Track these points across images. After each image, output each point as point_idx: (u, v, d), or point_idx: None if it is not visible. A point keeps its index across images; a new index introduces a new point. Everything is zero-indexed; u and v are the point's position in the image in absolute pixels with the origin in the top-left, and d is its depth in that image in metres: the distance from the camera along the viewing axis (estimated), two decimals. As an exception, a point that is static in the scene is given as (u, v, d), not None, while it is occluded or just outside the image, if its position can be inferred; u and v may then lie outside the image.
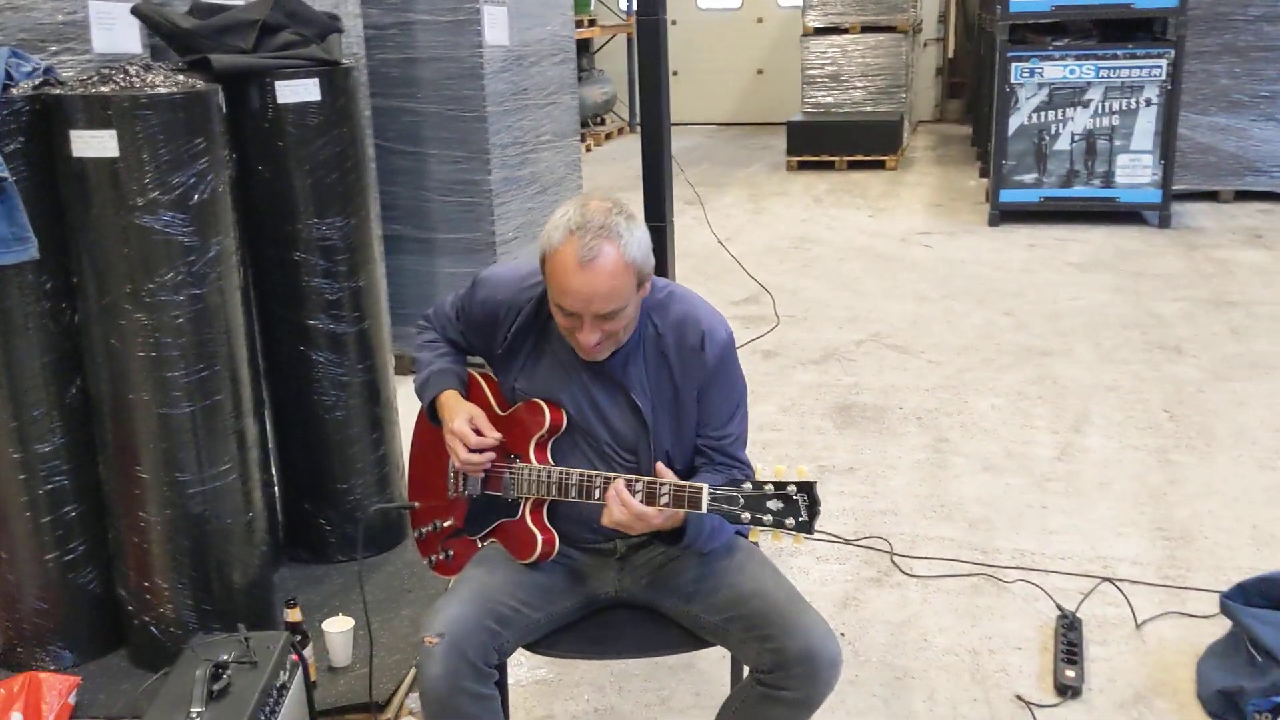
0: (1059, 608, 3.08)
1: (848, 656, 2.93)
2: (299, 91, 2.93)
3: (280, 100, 2.94)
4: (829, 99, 10.82)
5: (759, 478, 1.89)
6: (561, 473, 2.08)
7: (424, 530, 2.31)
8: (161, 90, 2.53)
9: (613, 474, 2.02)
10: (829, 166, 10.26)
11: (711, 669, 2.85)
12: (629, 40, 12.84)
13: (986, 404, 4.65)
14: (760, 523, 1.87)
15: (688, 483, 1.94)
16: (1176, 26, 7.30)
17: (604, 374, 2.11)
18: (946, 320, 5.78)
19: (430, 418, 2.24)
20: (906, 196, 9.04)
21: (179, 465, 2.66)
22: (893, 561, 3.42)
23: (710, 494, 1.90)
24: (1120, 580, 3.24)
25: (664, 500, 1.95)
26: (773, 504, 1.86)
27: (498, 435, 2.14)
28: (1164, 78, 7.30)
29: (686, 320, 2.11)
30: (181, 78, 2.66)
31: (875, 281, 6.59)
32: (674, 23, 13.52)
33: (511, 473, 2.14)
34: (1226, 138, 8.05)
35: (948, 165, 10.41)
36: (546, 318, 2.12)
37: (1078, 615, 3.03)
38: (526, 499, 2.13)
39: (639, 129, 3.27)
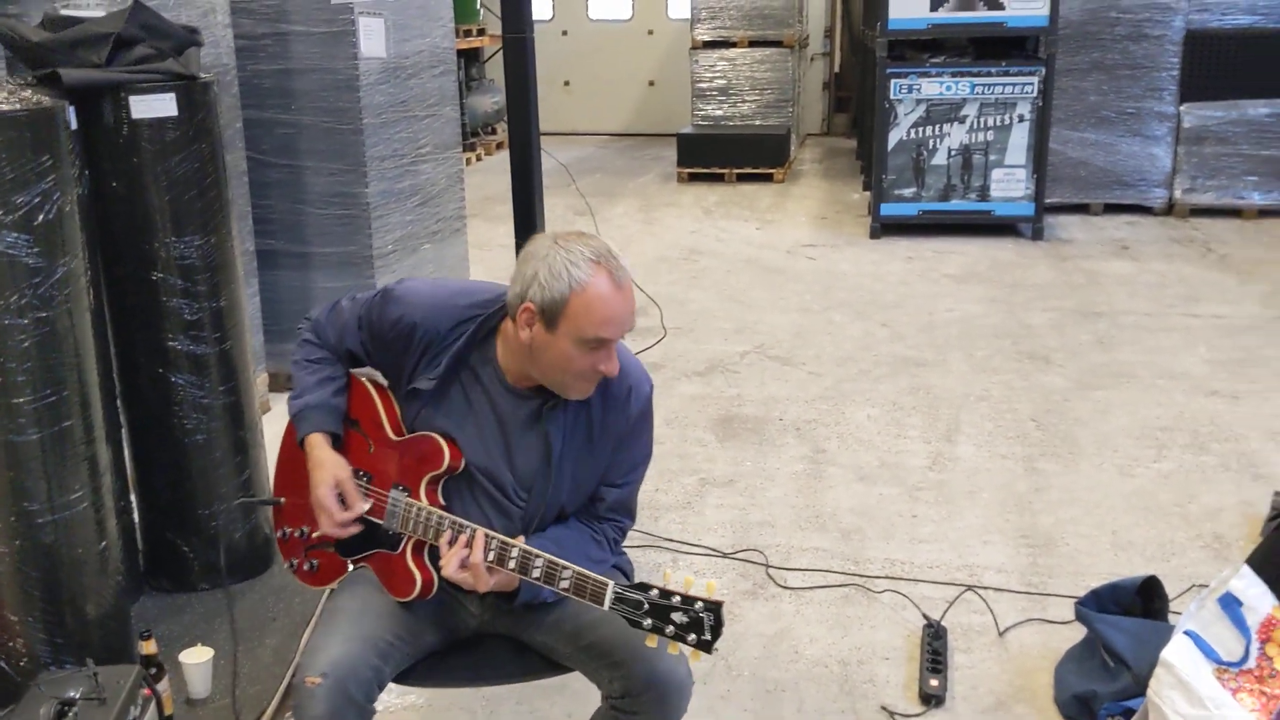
0: (925, 617, 3.15)
1: (720, 671, 2.96)
2: (154, 106, 2.85)
3: (135, 115, 2.85)
4: (719, 112, 10.93)
5: (667, 585, 1.86)
6: (453, 522, 2.01)
7: (288, 531, 2.23)
8: (4, 107, 2.43)
9: (509, 541, 1.96)
10: (719, 179, 10.36)
11: (584, 689, 2.81)
12: (520, 50, 12.79)
13: (863, 414, 4.74)
14: (660, 632, 1.83)
15: (592, 576, 1.89)
16: (1047, 45, 7.55)
17: (525, 414, 2.06)
18: (828, 332, 5.88)
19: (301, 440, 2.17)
20: (793, 209, 9.18)
21: (27, 494, 2.55)
22: (768, 574, 3.46)
23: (615, 593, 1.86)
24: (984, 588, 3.33)
25: (564, 585, 1.89)
26: (677, 616, 1.82)
27: (364, 507, 2.08)
28: (1035, 94, 7.55)
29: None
30: (28, 93, 2.56)
31: (761, 293, 6.67)
32: (565, 33, 13.57)
33: (398, 506, 2.07)
34: (1096, 152, 8.36)
35: (834, 178, 10.60)
36: (471, 352, 2.06)
37: (943, 624, 3.10)
38: (408, 536, 2.08)
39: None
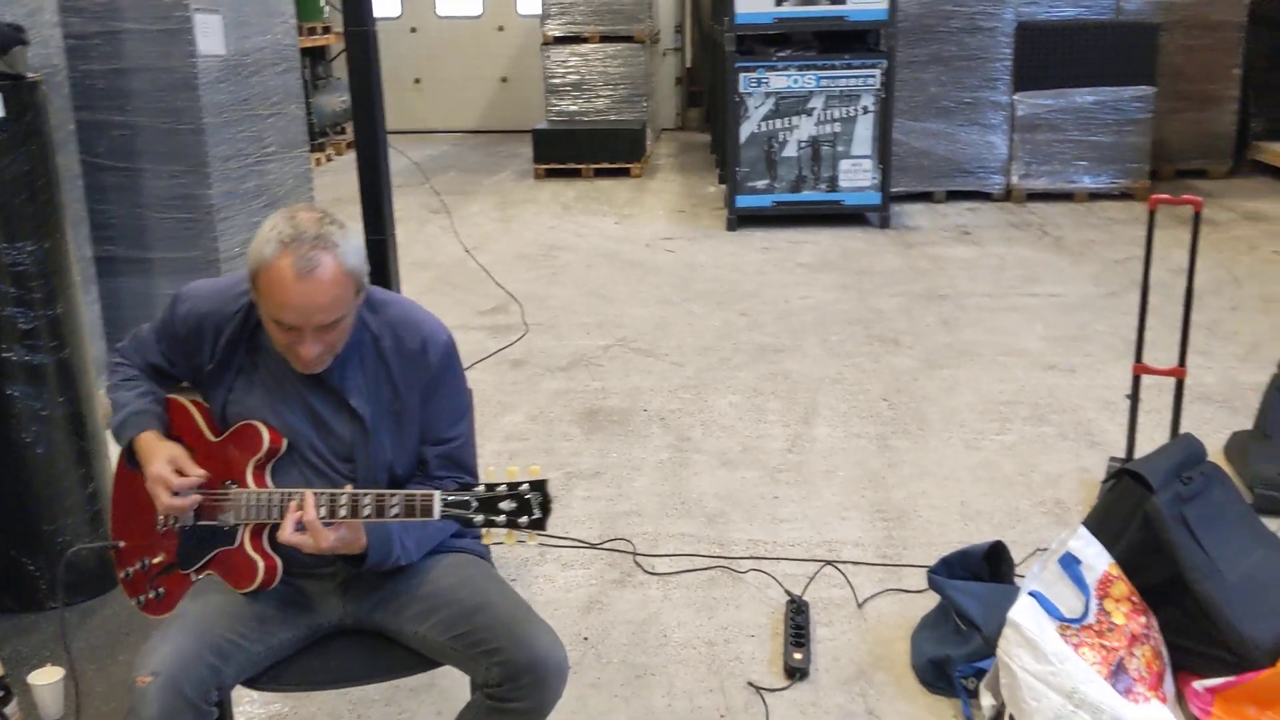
0: (788, 593, 3.23)
1: (590, 660, 2.98)
2: (-24, 106, 2.72)
3: (-45, 116, 2.72)
4: (573, 107, 10.95)
5: (491, 480, 1.90)
6: (283, 494, 2.02)
7: (130, 570, 2.19)
8: None
9: (337, 490, 1.97)
10: (576, 174, 10.38)
11: (453, 687, 2.82)
12: (369, 48, 12.55)
13: (725, 402, 4.82)
14: (494, 524, 1.87)
15: (418, 492, 1.92)
16: (887, 38, 7.80)
17: (321, 383, 2.07)
18: (688, 322, 5.96)
19: (129, 462, 2.13)
20: (651, 203, 9.26)
21: None
22: (635, 562, 3.50)
23: (443, 500, 1.89)
24: (843, 562, 3.44)
25: (394, 511, 1.92)
26: (505, 504, 1.87)
27: (201, 473, 2.05)
28: (878, 87, 7.79)
29: (405, 324, 2.11)
30: None
31: (622, 287, 6.72)
32: (414, 30, 13.38)
33: (228, 500, 2.06)
34: (938, 142, 8.67)
35: (689, 172, 10.73)
36: (254, 330, 2.06)
37: (805, 599, 3.19)
38: (245, 525, 2.06)
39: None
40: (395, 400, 2.09)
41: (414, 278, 6.89)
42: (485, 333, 5.85)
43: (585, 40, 10.83)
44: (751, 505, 3.86)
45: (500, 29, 13.34)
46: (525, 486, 1.87)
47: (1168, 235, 4.13)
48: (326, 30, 11.36)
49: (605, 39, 10.81)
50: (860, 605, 3.22)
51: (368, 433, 2.07)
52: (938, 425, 4.51)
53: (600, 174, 10.39)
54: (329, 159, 11.34)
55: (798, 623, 3.03)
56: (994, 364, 5.19)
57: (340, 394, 2.06)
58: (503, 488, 1.87)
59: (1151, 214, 3.62)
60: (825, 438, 4.42)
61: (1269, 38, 9.52)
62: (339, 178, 9.92)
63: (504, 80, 13.52)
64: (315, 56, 11.21)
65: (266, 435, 2.05)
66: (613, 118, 10.91)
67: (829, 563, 3.43)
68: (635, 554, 3.54)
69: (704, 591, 3.32)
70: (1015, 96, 8.54)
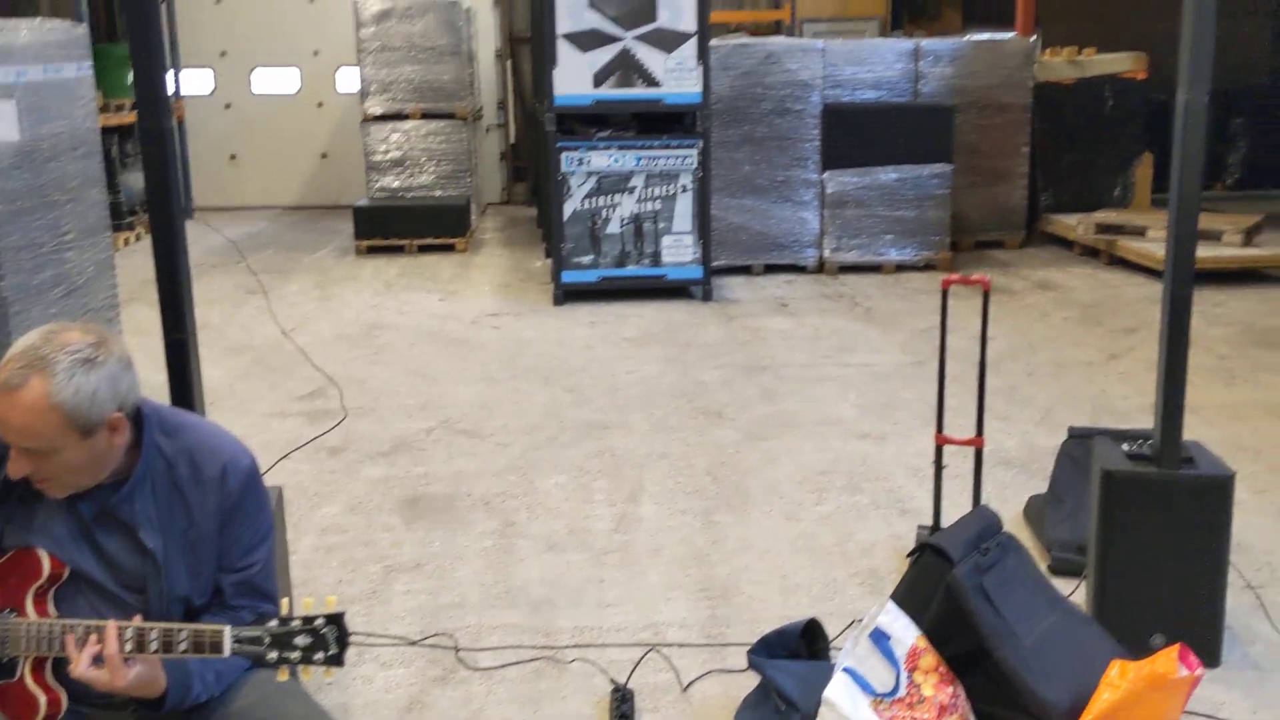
0: (612, 681, 3.22)
1: (412, 764, 2.89)
2: None
3: None
4: (396, 183, 10.87)
5: (285, 613, 1.84)
6: (63, 625, 1.90)
7: None
8: None
9: (124, 623, 1.88)
10: (399, 250, 10.27)
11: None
12: (179, 122, 12.21)
13: (551, 483, 4.81)
14: (288, 661, 1.81)
15: (208, 626, 1.84)
16: (702, 120, 8.06)
17: (107, 512, 1.97)
18: (514, 401, 5.95)
19: None
20: (476, 279, 9.24)
21: None
22: (458, 657, 3.43)
23: (233, 636, 1.82)
24: (668, 645, 3.46)
25: (182, 647, 1.84)
26: (300, 640, 1.81)
27: None
28: (696, 166, 8.03)
29: (202, 450, 2.04)
30: None
31: (446, 365, 6.66)
32: (228, 106, 13.09)
33: (6, 629, 1.93)
34: (754, 218, 8.98)
35: (515, 247, 10.77)
36: None
37: (629, 686, 3.18)
38: (25, 657, 1.93)
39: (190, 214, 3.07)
40: (191, 529, 2.01)
41: (228, 362, 6.67)
42: (302, 419, 5.69)
43: (406, 117, 10.81)
44: (577, 590, 3.84)
45: (319, 105, 13.18)
46: (321, 621, 1.82)
47: (967, 305, 4.37)
48: (134, 107, 11.00)
49: (427, 115, 10.82)
50: (685, 689, 3.23)
51: (159, 566, 1.98)
52: (759, 498, 4.61)
53: (424, 250, 10.32)
54: (137, 237, 10.90)
55: (622, 711, 3.03)
56: (812, 434, 5.35)
57: (129, 525, 1.97)
58: (297, 622, 1.82)
59: (944, 293, 3.83)
60: (651, 516, 4.45)
61: (1052, 119, 10.26)
62: (148, 258, 9.54)
63: (324, 156, 13.32)
64: (124, 134, 10.82)
65: (46, 562, 1.94)
66: (437, 193, 10.88)
67: (654, 647, 3.44)
68: (458, 649, 3.47)
69: (529, 685, 3.27)
70: (824, 174, 8.94)
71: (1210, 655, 3.14)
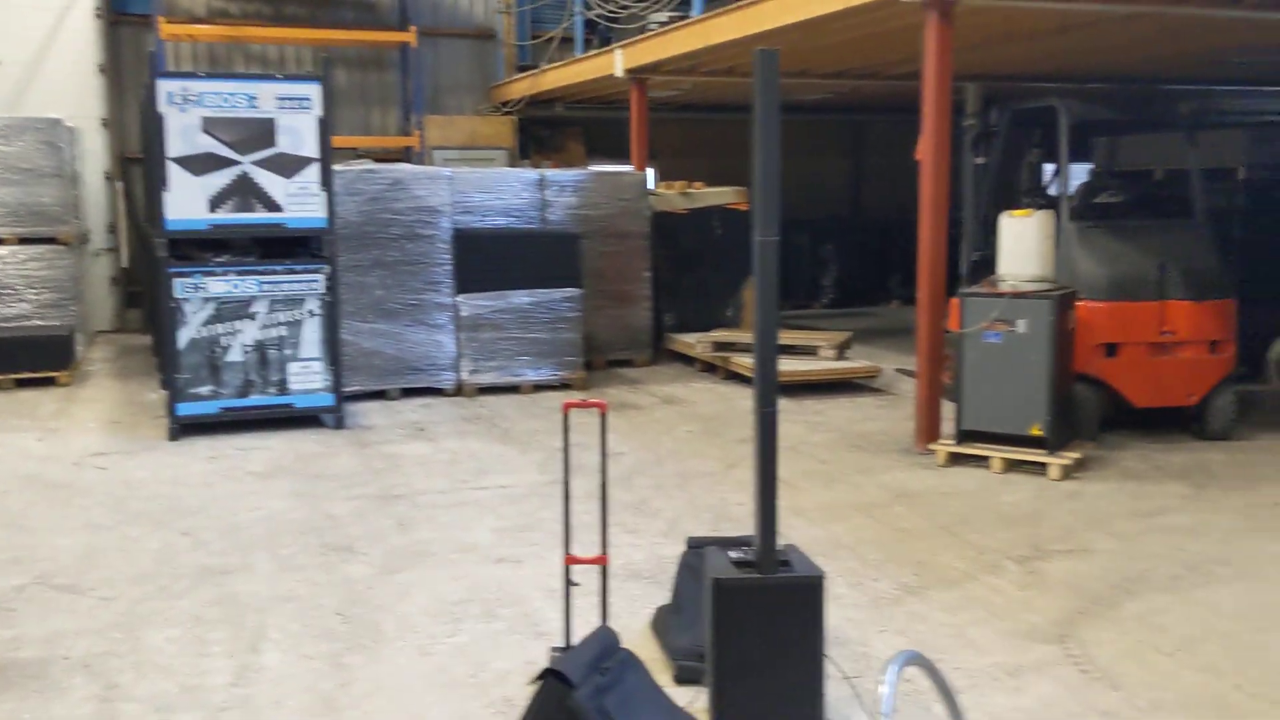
0: None
1: None
2: None
3: None
4: (-11, 312, 9.88)
5: None
6: None
7: None
8: None
9: None
10: (-8, 386, 9.29)
11: None
12: None
13: (162, 637, 4.43)
14: None
15: None
16: (328, 244, 7.95)
17: None
18: (121, 549, 5.46)
19: None
20: (82, 414, 8.50)
21: None
22: None
23: None
24: (290, 805, 3.24)
25: None
26: None
27: None
28: (323, 290, 7.87)
29: None
30: None
31: (44, 513, 6.03)
32: None
33: None
34: (387, 342, 8.91)
35: (128, 377, 10.03)
36: None
37: None
38: None
39: None
40: None
41: None
42: None
43: (3, 242, 9.91)
44: (189, 755, 3.53)
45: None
46: None
47: (599, 424, 4.50)
48: None
49: (25, 240, 9.98)
50: None
51: None
52: (393, 634, 4.47)
53: (22, 384, 9.40)
54: None
55: None
56: (447, 562, 5.28)
57: None
58: None
59: (565, 416, 3.95)
60: (275, 664, 4.19)
61: (669, 245, 11.00)
62: None
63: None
64: None
65: None
66: (37, 323, 9.97)
67: (272, 809, 3.21)
68: (44, 839, 3.07)
69: None
70: (458, 298, 9.05)
71: (816, 746, 3.36)
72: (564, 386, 9.37)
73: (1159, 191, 9.25)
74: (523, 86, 13.71)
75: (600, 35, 12.92)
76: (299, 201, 7.71)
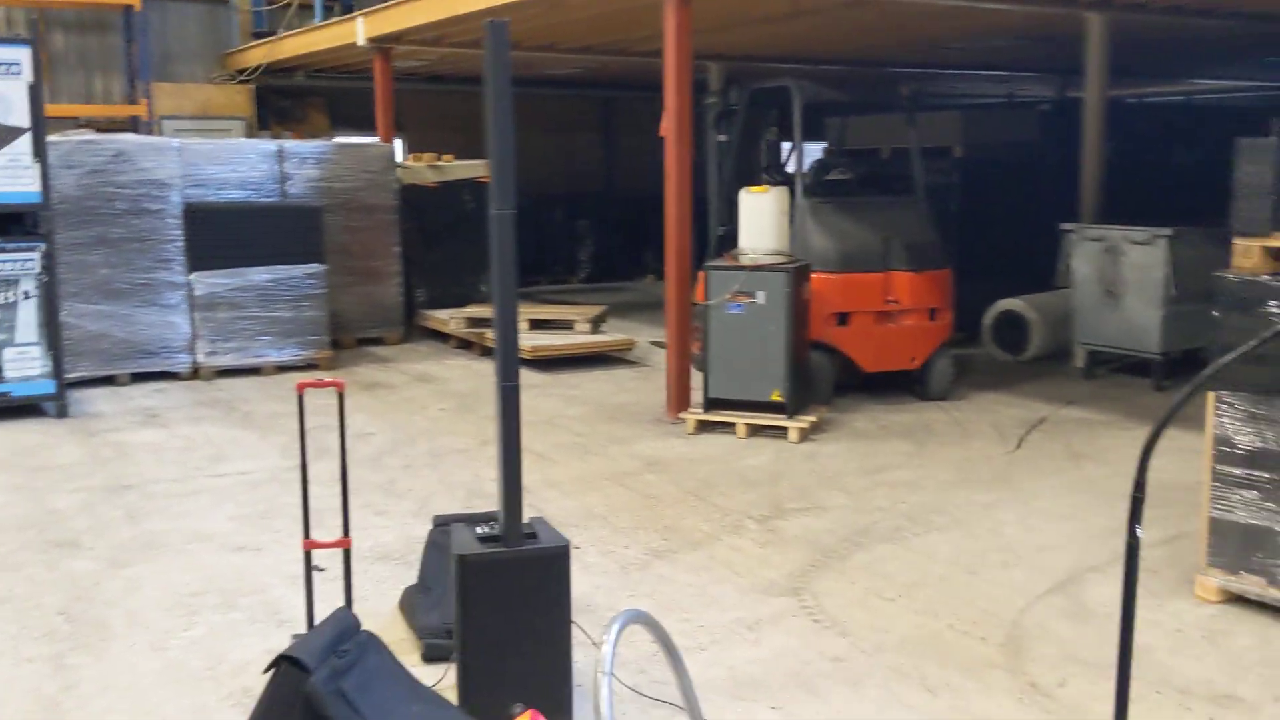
0: None
1: None
2: None
3: None
4: None
5: None
6: None
7: None
8: None
9: None
10: None
11: None
12: None
13: None
14: None
15: None
16: (44, 221, 7.37)
17: None
18: None
19: None
20: None
21: None
22: None
23: None
24: (3, 821, 3.02)
25: None
26: None
27: None
28: (39, 270, 7.30)
29: None
30: None
31: None
32: None
33: None
34: (114, 324, 8.36)
35: None
36: None
37: None
38: None
39: None
40: None
41: None
42: None
43: None
44: (-117, 778, 3.23)
45: None
46: None
47: (350, 402, 4.37)
48: None
49: None
50: None
51: None
52: (121, 631, 4.22)
53: None
54: None
55: None
56: (182, 553, 5.03)
57: None
58: None
59: (300, 396, 3.84)
60: (-18, 672, 3.89)
61: (419, 219, 10.82)
62: None
63: None
64: None
65: None
66: None
67: (-18, 827, 2.99)
68: None
69: None
70: (192, 276, 8.60)
71: (563, 713, 3.42)
72: (309, 367, 9.08)
73: (884, 170, 9.84)
74: (259, 54, 13.09)
75: (342, 2, 12.51)
76: (9, 175, 7.11)
